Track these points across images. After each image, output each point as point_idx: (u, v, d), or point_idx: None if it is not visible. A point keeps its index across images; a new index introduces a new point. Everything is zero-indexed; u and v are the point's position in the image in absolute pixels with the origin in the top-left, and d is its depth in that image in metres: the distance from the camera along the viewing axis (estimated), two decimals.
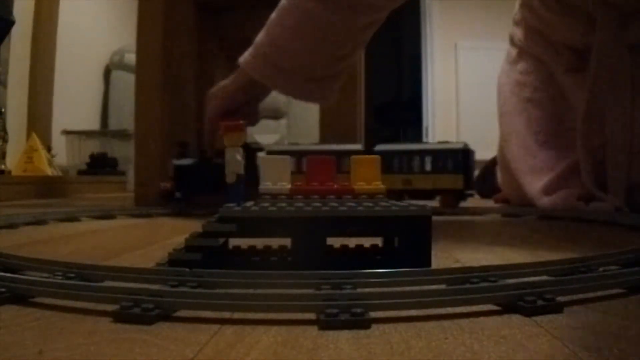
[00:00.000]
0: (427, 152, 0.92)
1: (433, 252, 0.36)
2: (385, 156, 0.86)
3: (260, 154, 0.87)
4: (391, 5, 0.80)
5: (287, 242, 0.36)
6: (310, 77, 0.82)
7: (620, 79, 0.86)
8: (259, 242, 0.38)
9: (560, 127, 0.96)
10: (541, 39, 1.00)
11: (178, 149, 0.93)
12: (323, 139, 1.16)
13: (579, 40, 0.92)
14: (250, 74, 0.80)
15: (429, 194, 0.92)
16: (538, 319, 0.24)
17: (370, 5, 0.78)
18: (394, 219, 0.35)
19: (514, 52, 1.07)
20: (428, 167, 0.92)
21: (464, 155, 0.91)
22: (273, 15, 0.80)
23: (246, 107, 0.84)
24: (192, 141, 1.05)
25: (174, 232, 0.59)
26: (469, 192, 0.93)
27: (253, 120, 0.87)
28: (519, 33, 1.05)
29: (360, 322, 0.23)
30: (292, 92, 0.83)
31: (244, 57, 0.81)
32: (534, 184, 0.94)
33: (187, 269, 0.30)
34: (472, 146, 0.94)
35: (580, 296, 0.27)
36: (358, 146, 0.94)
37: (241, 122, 0.42)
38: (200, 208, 0.84)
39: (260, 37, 0.81)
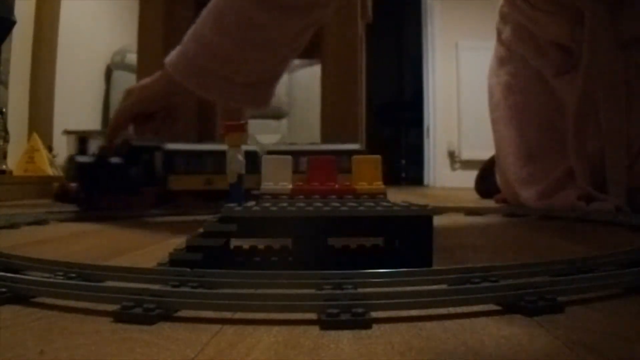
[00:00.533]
0: (322, 153, 0.91)
1: (434, 252, 0.36)
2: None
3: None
4: (325, 4, 0.74)
5: (288, 242, 0.36)
6: (244, 82, 0.75)
7: (614, 78, 0.83)
8: (261, 242, 0.38)
9: (554, 132, 0.93)
10: (529, 38, 0.96)
11: (78, 145, 0.88)
12: (324, 139, 1.16)
13: (568, 38, 0.89)
14: (177, 77, 0.72)
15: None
16: (539, 318, 0.24)
17: (304, 5, 0.72)
18: (396, 219, 0.35)
19: (502, 51, 1.04)
20: None
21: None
22: (204, 12, 0.72)
23: (163, 113, 0.78)
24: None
25: (175, 232, 0.59)
26: None
27: (167, 128, 0.79)
28: (506, 30, 1.02)
29: (362, 322, 0.23)
30: (223, 97, 0.76)
31: (170, 58, 0.73)
32: (530, 192, 0.92)
33: (188, 269, 0.30)
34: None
35: (581, 296, 0.27)
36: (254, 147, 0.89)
37: (242, 122, 0.42)
38: (101, 210, 0.77)
39: (189, 36, 0.72)
